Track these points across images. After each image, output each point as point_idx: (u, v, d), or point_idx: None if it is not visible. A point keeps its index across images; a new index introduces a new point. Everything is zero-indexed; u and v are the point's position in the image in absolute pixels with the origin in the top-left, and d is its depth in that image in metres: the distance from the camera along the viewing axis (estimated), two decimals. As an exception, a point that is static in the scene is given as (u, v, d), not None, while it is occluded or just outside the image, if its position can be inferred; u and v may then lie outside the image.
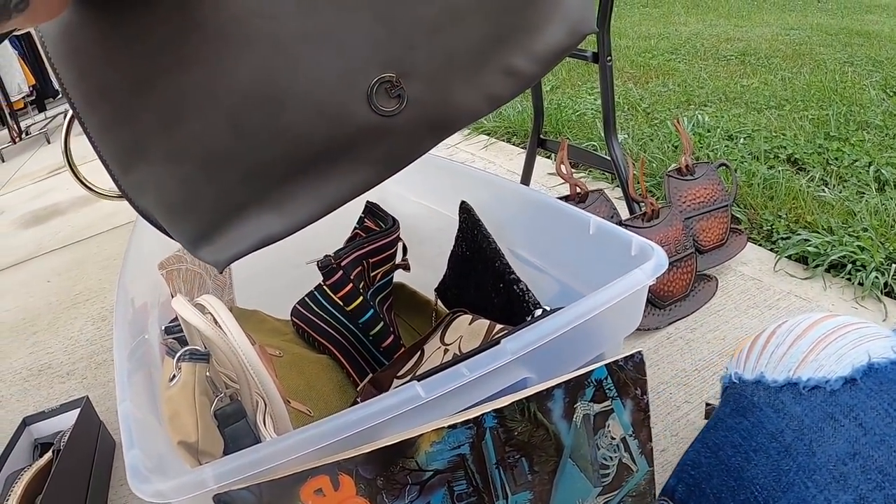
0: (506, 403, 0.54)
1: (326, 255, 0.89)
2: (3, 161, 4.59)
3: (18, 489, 1.09)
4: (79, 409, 1.19)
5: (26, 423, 1.23)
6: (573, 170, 1.17)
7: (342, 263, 0.89)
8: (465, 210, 0.90)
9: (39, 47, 0.48)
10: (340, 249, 0.92)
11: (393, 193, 1.17)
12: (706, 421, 0.97)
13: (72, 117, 0.57)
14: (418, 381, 0.52)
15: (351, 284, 0.89)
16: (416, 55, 0.49)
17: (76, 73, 0.47)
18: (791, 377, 0.63)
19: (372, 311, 0.90)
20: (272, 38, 0.45)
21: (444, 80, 0.51)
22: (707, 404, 0.90)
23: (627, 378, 0.61)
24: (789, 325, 0.69)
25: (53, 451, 1.13)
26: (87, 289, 1.99)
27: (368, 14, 0.47)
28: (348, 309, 0.90)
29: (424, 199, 1.15)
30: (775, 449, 0.62)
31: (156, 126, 0.46)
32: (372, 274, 0.96)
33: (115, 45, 0.44)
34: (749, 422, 0.65)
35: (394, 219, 1.00)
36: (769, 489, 0.61)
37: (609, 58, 1.22)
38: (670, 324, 1.24)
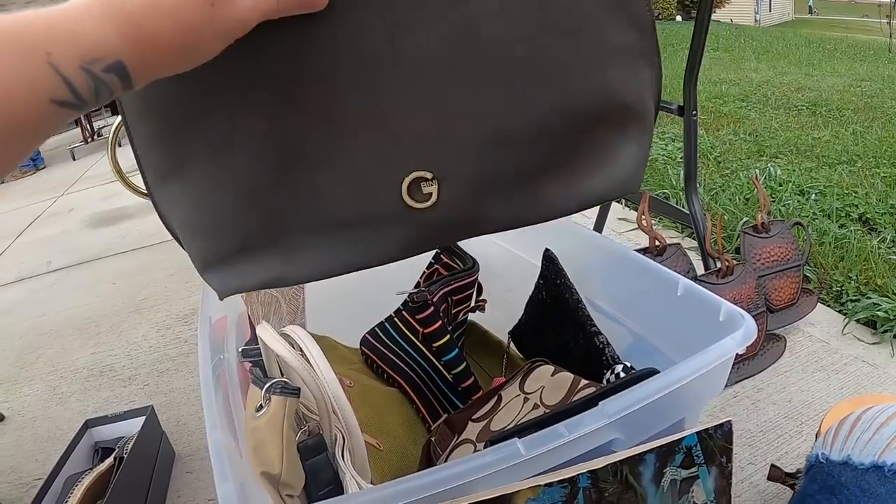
0: (600, 465, 0.54)
1: (421, 290, 0.89)
2: (75, 159, 4.75)
3: (78, 492, 1.10)
4: (143, 418, 1.20)
5: (88, 425, 1.24)
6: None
7: (434, 300, 0.89)
8: (549, 258, 0.90)
9: None
10: (431, 285, 0.92)
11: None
12: (770, 483, 0.96)
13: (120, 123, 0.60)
14: (518, 437, 0.52)
15: (440, 321, 0.89)
16: (461, 166, 0.49)
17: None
18: (876, 461, 0.69)
19: (457, 350, 0.90)
20: (332, 109, 0.47)
21: (479, 195, 0.51)
22: (773, 466, 0.90)
23: (715, 446, 0.61)
24: (874, 412, 0.75)
25: (115, 458, 1.14)
26: (153, 294, 2.03)
27: (435, 114, 0.48)
28: (435, 346, 0.90)
29: (494, 237, 1.15)
30: (862, 525, 0.66)
31: (203, 152, 0.48)
32: (453, 312, 0.97)
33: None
34: (837, 499, 0.70)
35: (473, 259, 1.00)
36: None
37: (694, 112, 1.21)
38: (737, 382, 1.22)
